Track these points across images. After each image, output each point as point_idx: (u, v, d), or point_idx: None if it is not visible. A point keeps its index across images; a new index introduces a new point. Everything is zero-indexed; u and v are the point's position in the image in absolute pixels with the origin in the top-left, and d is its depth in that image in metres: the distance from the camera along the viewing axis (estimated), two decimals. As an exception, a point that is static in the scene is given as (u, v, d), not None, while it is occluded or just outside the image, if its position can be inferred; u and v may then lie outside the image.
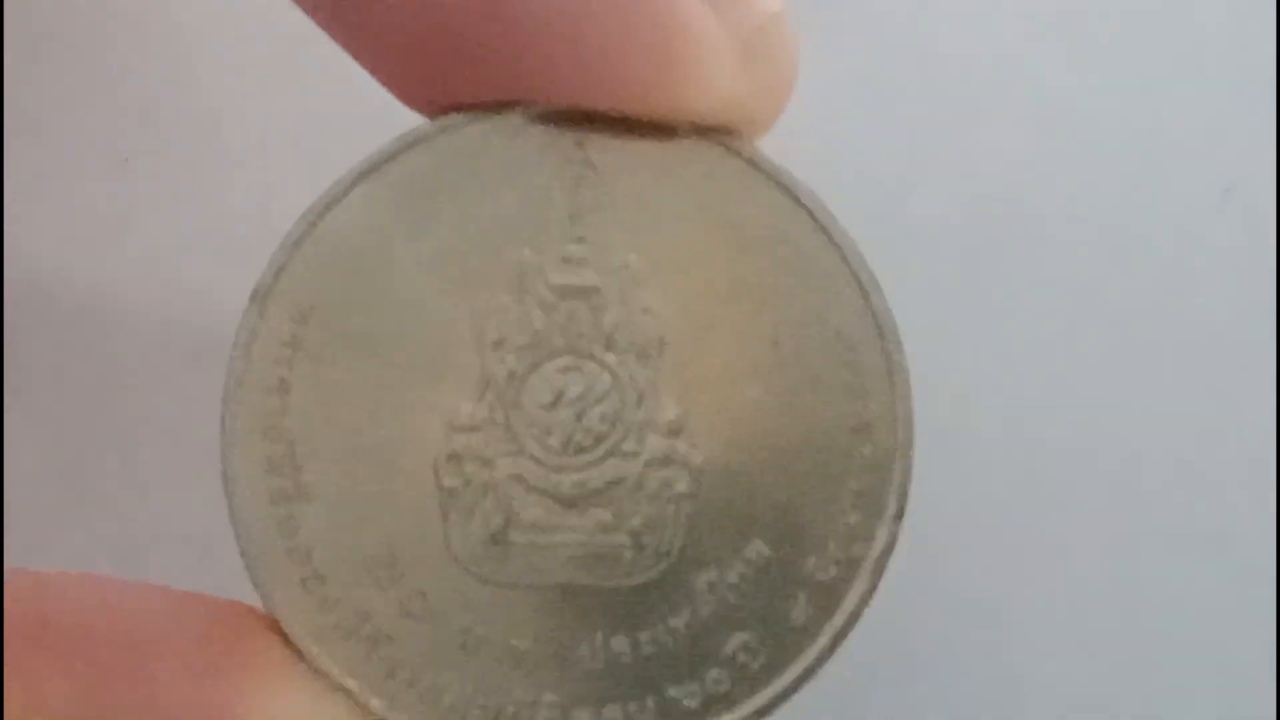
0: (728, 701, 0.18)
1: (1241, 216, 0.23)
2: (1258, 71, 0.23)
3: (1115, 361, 0.23)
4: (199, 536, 0.22)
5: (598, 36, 0.18)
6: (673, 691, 0.18)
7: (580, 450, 0.18)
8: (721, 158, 0.19)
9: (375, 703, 0.18)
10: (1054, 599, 0.23)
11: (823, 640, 0.18)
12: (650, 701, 0.18)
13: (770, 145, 0.19)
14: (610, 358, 0.19)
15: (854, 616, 0.18)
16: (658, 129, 0.19)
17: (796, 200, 0.19)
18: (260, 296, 0.18)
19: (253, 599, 0.18)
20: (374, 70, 0.20)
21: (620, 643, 0.18)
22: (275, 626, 0.18)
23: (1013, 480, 0.23)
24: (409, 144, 0.19)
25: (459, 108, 0.19)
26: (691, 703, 0.18)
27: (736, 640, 0.18)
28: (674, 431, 0.18)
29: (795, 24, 0.19)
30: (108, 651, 0.17)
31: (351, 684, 0.18)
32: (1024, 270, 0.23)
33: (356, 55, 0.20)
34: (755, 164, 0.19)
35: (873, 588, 0.18)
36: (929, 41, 0.23)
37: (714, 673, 0.18)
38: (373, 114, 0.19)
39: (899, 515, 0.18)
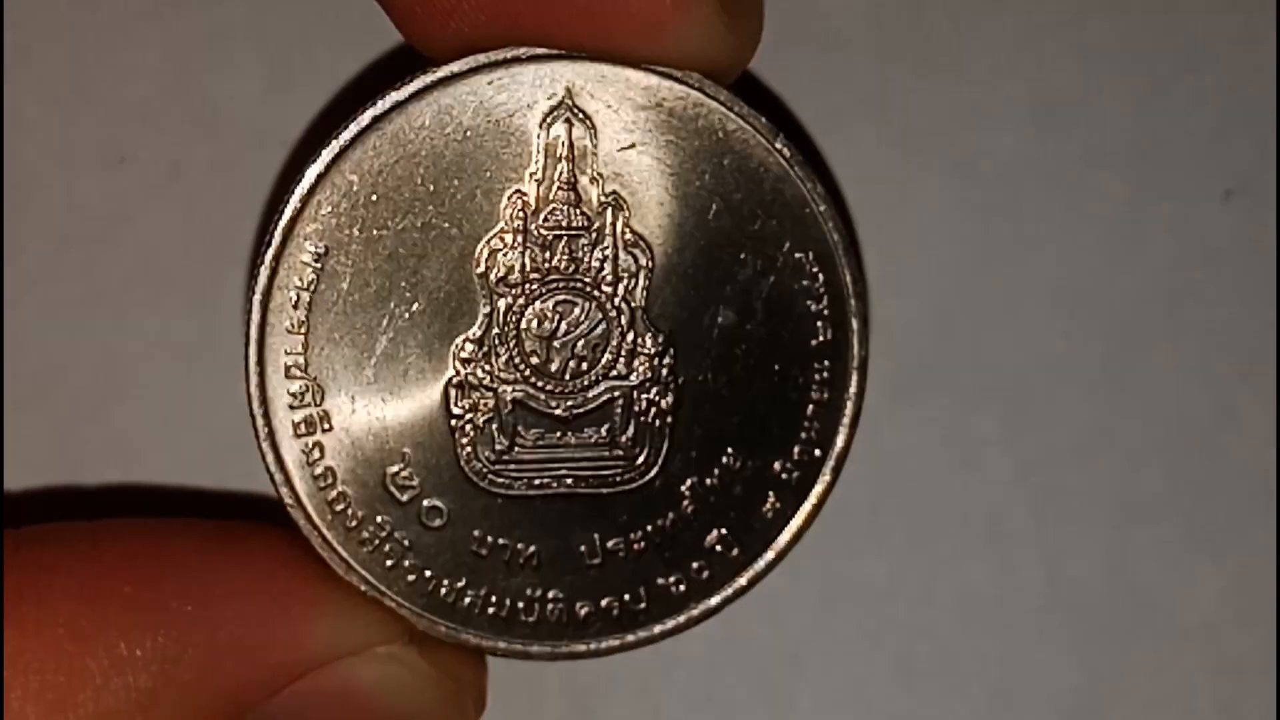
0: (709, 587, 0.21)
1: (1243, 218, 0.23)
2: (1259, 72, 0.23)
3: (1115, 361, 0.24)
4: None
5: None
6: (661, 581, 0.21)
7: (575, 375, 0.20)
8: (698, 101, 0.20)
9: (402, 610, 0.20)
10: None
11: (789, 532, 0.21)
12: (643, 591, 0.21)
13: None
14: (600, 290, 0.20)
15: (816, 509, 0.21)
16: (640, 73, 0.20)
17: (766, 138, 0.20)
18: (276, 242, 0.20)
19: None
20: (393, 8, 0.20)
21: (615, 542, 0.21)
22: (307, 547, 0.20)
23: (1010, 480, 0.24)
24: (411, 95, 0.20)
25: (464, 51, 0.20)
26: (678, 590, 0.21)
27: (714, 534, 0.21)
28: (658, 355, 0.21)
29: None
30: (181, 606, 0.19)
31: (380, 595, 0.20)
32: (1024, 270, 0.24)
33: None
34: (729, 105, 0.20)
35: (832, 484, 0.21)
36: (930, 42, 0.24)
37: (697, 563, 0.21)
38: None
39: (854, 423, 0.21)
